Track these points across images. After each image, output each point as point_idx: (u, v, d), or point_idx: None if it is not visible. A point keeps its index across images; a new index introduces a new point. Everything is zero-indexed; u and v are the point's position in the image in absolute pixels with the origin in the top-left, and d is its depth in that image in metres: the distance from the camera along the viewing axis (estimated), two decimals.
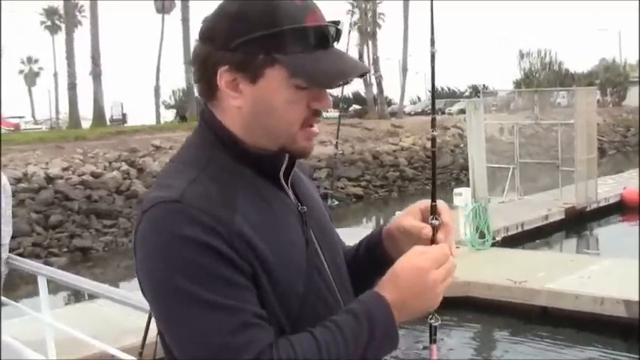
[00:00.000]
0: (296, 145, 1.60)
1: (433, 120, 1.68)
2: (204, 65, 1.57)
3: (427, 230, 1.64)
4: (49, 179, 26.47)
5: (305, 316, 1.51)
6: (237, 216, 1.48)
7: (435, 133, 1.69)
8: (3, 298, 6.04)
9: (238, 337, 1.40)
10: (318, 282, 1.61)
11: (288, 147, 1.59)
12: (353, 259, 1.85)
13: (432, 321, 1.62)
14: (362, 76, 1.59)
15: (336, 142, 6.35)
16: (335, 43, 1.58)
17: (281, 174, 1.64)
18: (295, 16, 1.51)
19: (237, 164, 1.58)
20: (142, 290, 1.55)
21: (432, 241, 1.63)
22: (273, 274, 1.50)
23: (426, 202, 1.71)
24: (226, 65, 1.52)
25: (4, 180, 5.76)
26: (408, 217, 1.74)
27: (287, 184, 1.67)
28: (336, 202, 29.14)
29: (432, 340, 1.65)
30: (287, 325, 1.50)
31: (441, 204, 1.67)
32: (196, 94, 1.70)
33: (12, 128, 56.96)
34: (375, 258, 1.82)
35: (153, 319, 1.58)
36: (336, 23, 1.58)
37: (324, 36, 1.54)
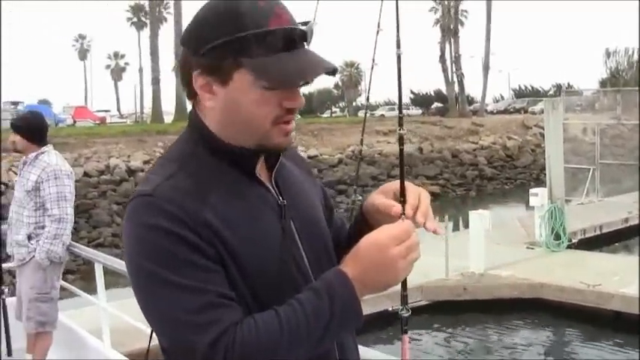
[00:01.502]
0: (271, 141, 1.66)
1: (400, 119, 1.72)
2: (183, 69, 1.67)
3: (397, 208, 1.68)
4: (131, 172, 27.06)
5: (276, 302, 1.57)
6: (205, 208, 1.57)
7: (402, 131, 1.73)
8: (62, 282, 6.23)
9: (202, 316, 1.49)
10: (293, 271, 1.67)
11: (264, 143, 1.66)
12: (348, 242, 1.87)
13: (402, 312, 1.67)
14: (331, 73, 1.63)
15: (361, 139, 6.39)
16: (305, 44, 1.63)
17: (258, 169, 1.71)
18: (259, 20, 1.57)
19: (216, 160, 1.67)
20: None
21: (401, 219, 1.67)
22: (239, 260, 1.58)
23: (397, 183, 1.75)
24: (199, 69, 1.61)
25: (69, 167, 5.98)
26: (380, 195, 1.80)
27: (271, 177, 1.75)
28: None
29: (403, 331, 1.69)
30: (256, 308, 1.57)
31: (409, 185, 1.73)
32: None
33: (98, 122, 58.36)
34: (361, 234, 1.83)
35: None
36: (305, 24, 1.63)
37: (290, 38, 1.59)
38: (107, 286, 6.12)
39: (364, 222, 1.84)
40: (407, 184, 1.72)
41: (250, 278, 1.59)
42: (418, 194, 1.72)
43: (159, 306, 1.54)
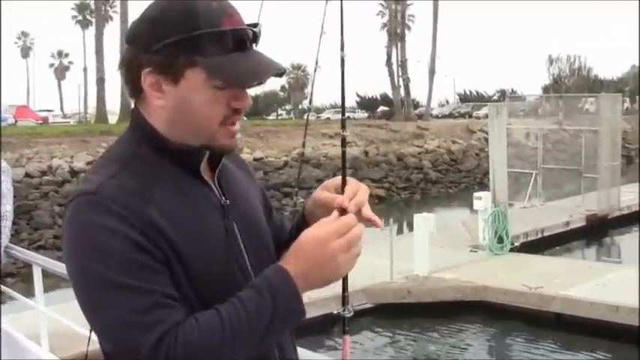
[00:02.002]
0: (217, 142, 1.66)
1: (343, 121, 1.73)
2: (129, 67, 1.65)
3: (339, 200, 1.67)
4: (74, 173, 26.71)
5: (218, 302, 1.56)
6: (150, 207, 1.56)
7: (345, 133, 1.74)
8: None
9: (147, 316, 1.47)
10: (236, 271, 1.67)
11: (210, 144, 1.66)
12: (288, 243, 1.85)
13: (344, 313, 1.67)
14: (279, 75, 1.65)
15: (303, 142, 6.42)
16: (254, 45, 1.64)
17: (202, 168, 1.70)
18: (212, 20, 1.57)
19: (160, 159, 1.65)
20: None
21: (344, 213, 1.66)
22: (184, 259, 1.57)
23: (339, 178, 1.76)
24: (149, 67, 1.59)
25: (4, 163, 5.84)
26: (324, 191, 1.80)
27: (214, 177, 1.74)
28: None
29: (345, 331, 1.69)
30: (200, 308, 1.56)
31: (350, 179, 1.73)
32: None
33: (40, 121, 57.48)
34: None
35: None
36: (254, 26, 1.64)
37: (242, 39, 1.60)
38: (48, 289, 6.02)
39: (305, 223, 1.83)
40: (348, 178, 1.73)
41: (195, 279, 1.58)
42: (357, 187, 1.72)
43: (104, 308, 1.50)
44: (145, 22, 1.62)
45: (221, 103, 1.62)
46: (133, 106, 1.73)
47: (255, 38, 1.64)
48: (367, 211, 1.68)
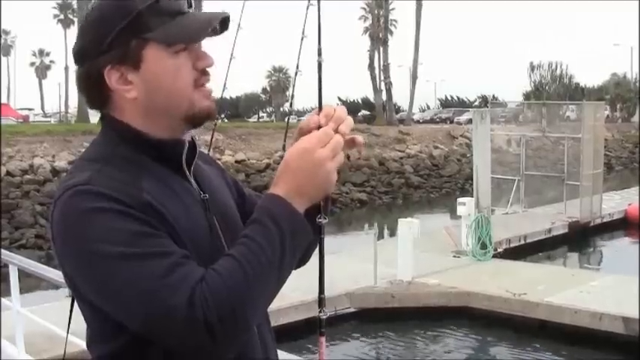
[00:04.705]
0: (196, 107, 1.69)
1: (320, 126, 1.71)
2: (89, 79, 1.67)
3: (315, 119, 1.66)
4: (55, 172, 26.52)
5: None
6: (144, 193, 1.58)
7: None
8: None
9: (171, 277, 1.47)
10: None
11: (191, 112, 1.69)
12: None
13: (320, 314, 1.68)
14: (224, 22, 1.70)
15: (284, 145, 6.45)
16: (190, 9, 1.70)
17: (183, 162, 1.73)
18: None
19: (140, 156, 1.67)
20: (65, 277, 1.64)
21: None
22: (181, 242, 1.59)
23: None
24: (109, 65, 1.63)
25: None
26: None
27: (190, 173, 1.76)
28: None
29: (320, 333, 1.70)
30: None
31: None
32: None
33: (21, 120, 57.09)
34: None
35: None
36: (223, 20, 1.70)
37: (178, 4, 1.67)
38: (31, 290, 5.95)
39: None
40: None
41: None
42: (333, 107, 1.70)
43: (125, 283, 1.48)
44: (88, 31, 1.67)
45: (186, 66, 1.66)
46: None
47: (191, 3, 1.70)
48: (346, 128, 1.66)
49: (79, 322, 2.11)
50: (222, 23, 1.71)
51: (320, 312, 1.68)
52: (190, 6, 1.70)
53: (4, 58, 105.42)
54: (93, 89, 1.68)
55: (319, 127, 1.65)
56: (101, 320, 1.61)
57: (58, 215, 1.56)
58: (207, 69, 1.71)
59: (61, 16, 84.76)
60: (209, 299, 1.45)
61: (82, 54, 1.67)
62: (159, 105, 1.66)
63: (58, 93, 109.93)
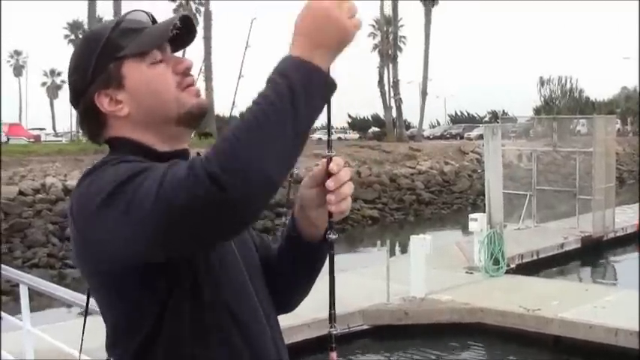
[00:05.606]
0: (187, 105, 1.75)
1: (329, 142, 1.74)
2: (86, 112, 1.78)
3: (324, 160, 1.71)
4: (67, 191, 26.52)
5: (242, 310, 1.71)
6: None
7: (331, 153, 1.73)
8: None
9: (172, 167, 1.49)
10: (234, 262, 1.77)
11: (182, 112, 1.75)
12: (279, 258, 1.94)
13: (331, 329, 1.67)
14: (186, 19, 1.77)
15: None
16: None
17: None
18: (110, 24, 1.78)
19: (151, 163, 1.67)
20: (81, 235, 1.63)
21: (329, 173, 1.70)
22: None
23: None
24: (96, 93, 1.73)
25: None
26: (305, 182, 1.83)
27: None
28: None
29: (331, 348, 1.68)
30: (229, 317, 1.69)
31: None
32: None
33: (32, 139, 57.28)
34: (292, 239, 1.89)
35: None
36: (147, 13, 1.82)
37: (140, 19, 1.79)
38: (42, 308, 5.97)
39: (296, 227, 1.86)
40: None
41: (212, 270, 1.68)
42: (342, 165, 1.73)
43: (134, 191, 1.50)
44: (71, 74, 1.79)
45: (166, 73, 1.74)
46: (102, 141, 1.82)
47: (153, 17, 1.81)
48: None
49: (91, 341, 2.09)
50: (187, 26, 1.78)
51: (331, 327, 1.67)
52: (154, 23, 1.80)
53: (15, 79, 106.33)
54: (92, 120, 1.77)
55: (328, 173, 1.69)
56: (119, 308, 1.67)
57: (90, 176, 1.63)
58: (188, 70, 1.78)
59: (72, 37, 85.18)
60: (208, 155, 1.42)
61: (74, 95, 1.78)
62: (151, 114, 1.73)
63: (70, 112, 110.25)
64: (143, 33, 1.73)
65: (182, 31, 1.78)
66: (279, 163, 1.45)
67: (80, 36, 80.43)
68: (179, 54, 1.84)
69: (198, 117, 1.78)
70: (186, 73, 1.77)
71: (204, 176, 1.38)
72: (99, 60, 1.72)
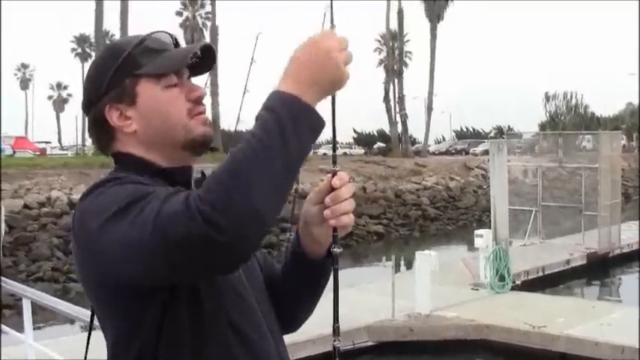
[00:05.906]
0: (193, 133, 1.78)
1: (334, 156, 1.78)
2: (96, 122, 1.82)
3: (328, 175, 1.73)
4: (72, 205, 26.52)
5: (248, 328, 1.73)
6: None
7: (336, 168, 1.76)
8: None
9: (170, 198, 1.52)
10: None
11: (189, 139, 1.78)
12: (283, 276, 1.96)
13: (335, 343, 1.69)
14: (206, 48, 1.80)
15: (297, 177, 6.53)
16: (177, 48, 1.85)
17: (192, 186, 1.76)
18: (133, 40, 1.81)
19: (153, 179, 1.73)
20: (85, 250, 1.66)
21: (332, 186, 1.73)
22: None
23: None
24: (108, 105, 1.77)
25: None
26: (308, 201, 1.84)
27: None
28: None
29: None
30: (234, 335, 1.70)
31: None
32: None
33: (38, 153, 57.45)
34: (296, 256, 1.91)
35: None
36: (171, 35, 1.87)
37: (163, 41, 1.82)
38: (45, 323, 5.98)
39: (300, 244, 1.88)
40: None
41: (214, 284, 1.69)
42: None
43: (130, 223, 1.53)
44: (87, 82, 1.83)
45: (179, 98, 1.77)
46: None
47: (176, 40, 1.85)
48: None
49: (93, 356, 2.07)
50: (208, 55, 1.81)
51: (334, 340, 1.68)
52: (177, 46, 1.85)
53: (22, 92, 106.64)
54: (100, 131, 1.81)
55: (332, 188, 1.72)
56: (119, 320, 1.68)
57: (91, 195, 1.65)
58: (200, 99, 1.81)
59: (79, 50, 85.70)
60: (201, 194, 1.45)
61: (87, 103, 1.82)
62: (157, 135, 1.77)
63: (75, 126, 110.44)
64: (163, 55, 1.77)
65: (202, 59, 1.80)
66: (271, 199, 1.48)
67: (87, 50, 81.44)
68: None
69: (201, 145, 1.81)
70: (198, 101, 1.80)
71: (197, 214, 1.42)
72: (116, 73, 1.75)
